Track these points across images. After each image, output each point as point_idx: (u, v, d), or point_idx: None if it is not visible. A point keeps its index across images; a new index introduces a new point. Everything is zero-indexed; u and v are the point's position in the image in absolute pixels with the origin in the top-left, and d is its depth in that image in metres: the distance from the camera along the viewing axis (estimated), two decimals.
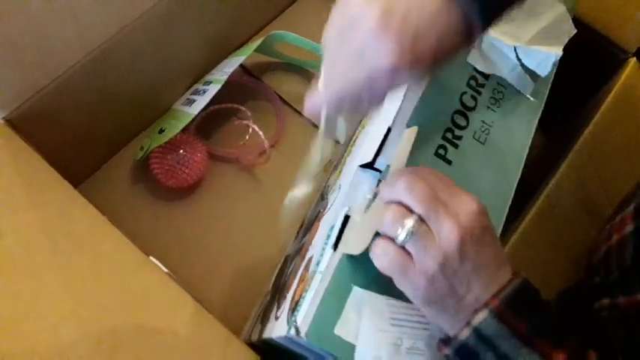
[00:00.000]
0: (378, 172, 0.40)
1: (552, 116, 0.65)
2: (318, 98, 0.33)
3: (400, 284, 0.33)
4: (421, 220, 0.33)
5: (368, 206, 0.38)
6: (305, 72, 0.70)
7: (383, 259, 0.33)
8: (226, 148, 0.64)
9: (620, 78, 0.51)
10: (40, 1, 0.46)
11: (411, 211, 0.33)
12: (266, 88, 0.68)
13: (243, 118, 0.66)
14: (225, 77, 0.58)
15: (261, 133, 0.62)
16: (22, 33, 0.45)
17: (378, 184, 0.39)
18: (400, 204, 0.34)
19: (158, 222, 0.60)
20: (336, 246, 0.37)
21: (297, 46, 0.65)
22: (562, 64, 0.60)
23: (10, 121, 0.47)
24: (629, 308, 0.35)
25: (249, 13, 0.69)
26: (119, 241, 0.44)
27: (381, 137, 0.38)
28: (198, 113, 0.56)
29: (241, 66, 0.69)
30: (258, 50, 0.63)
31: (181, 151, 0.60)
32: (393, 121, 0.39)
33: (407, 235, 0.32)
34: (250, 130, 0.63)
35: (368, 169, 0.40)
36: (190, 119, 0.56)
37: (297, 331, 0.34)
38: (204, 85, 0.61)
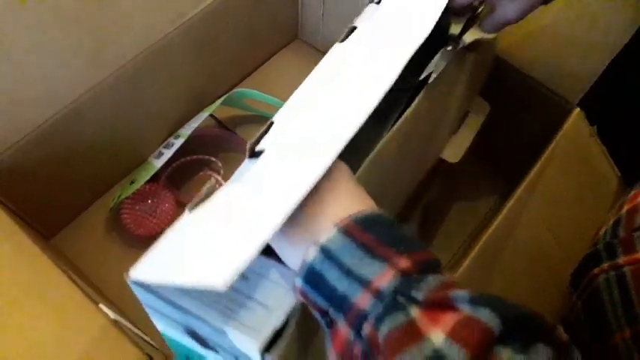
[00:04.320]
0: None
1: (506, 174, 0.66)
2: None
3: None
4: None
5: None
6: None
7: None
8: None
9: (566, 128, 0.53)
10: (7, 61, 0.49)
11: None
12: (238, 138, 0.71)
13: (215, 169, 0.68)
14: (189, 132, 0.61)
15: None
16: None
17: None
18: None
19: (129, 270, 0.62)
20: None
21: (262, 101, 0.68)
22: (506, 119, 0.62)
23: None
24: (628, 266, 0.35)
25: (220, 70, 0.72)
26: (84, 305, 0.45)
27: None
28: (162, 166, 0.59)
29: (215, 119, 0.72)
30: (227, 104, 0.66)
31: (149, 201, 0.62)
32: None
33: None
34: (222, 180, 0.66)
35: None
36: (154, 172, 0.59)
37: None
38: (174, 138, 0.65)
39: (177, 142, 0.61)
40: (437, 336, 0.23)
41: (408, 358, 0.23)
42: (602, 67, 0.52)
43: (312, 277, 0.28)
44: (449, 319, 0.23)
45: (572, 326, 0.41)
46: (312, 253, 0.28)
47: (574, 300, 0.39)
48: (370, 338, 0.25)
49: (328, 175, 0.30)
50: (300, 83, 0.57)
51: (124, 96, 0.60)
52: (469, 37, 0.45)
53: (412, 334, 0.23)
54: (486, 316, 0.23)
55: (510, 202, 0.48)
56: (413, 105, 0.41)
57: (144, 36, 0.58)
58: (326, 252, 0.27)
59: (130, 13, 0.56)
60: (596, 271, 0.38)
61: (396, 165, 0.43)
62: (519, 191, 0.49)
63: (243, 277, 0.33)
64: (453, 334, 0.22)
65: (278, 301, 0.32)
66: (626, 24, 0.51)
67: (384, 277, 0.26)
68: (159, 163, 0.60)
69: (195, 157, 0.67)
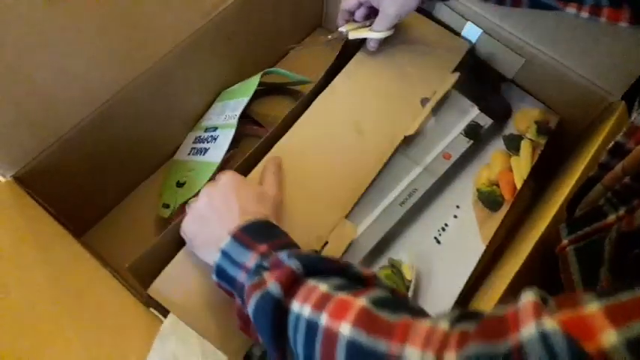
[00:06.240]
0: None
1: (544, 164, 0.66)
2: None
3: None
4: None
5: None
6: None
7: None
8: None
9: (611, 121, 0.52)
10: (44, 64, 0.48)
11: None
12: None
13: None
14: (234, 121, 0.59)
15: None
16: (28, 94, 0.48)
17: None
18: None
19: None
20: None
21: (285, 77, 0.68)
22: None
23: (18, 179, 0.50)
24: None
25: (247, 61, 0.71)
26: (119, 293, 0.46)
27: None
28: (222, 160, 0.57)
29: None
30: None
31: None
32: None
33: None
34: None
35: None
36: (215, 168, 0.57)
37: None
38: (206, 132, 0.63)
39: (221, 135, 0.59)
40: (269, 282, 0.36)
41: (252, 299, 0.36)
42: None
43: (218, 271, 0.42)
44: (277, 272, 0.36)
45: None
46: (217, 255, 0.41)
47: None
48: (244, 299, 0.38)
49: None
50: (323, 71, 0.59)
51: (156, 93, 0.59)
52: (355, 35, 0.59)
53: (260, 285, 0.36)
54: (293, 264, 0.36)
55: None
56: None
57: (175, 33, 0.57)
58: (224, 253, 0.41)
59: (161, 12, 0.55)
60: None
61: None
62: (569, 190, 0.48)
63: None
64: (275, 278, 0.36)
65: None
66: None
67: (252, 260, 0.40)
68: (214, 159, 0.57)
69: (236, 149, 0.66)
